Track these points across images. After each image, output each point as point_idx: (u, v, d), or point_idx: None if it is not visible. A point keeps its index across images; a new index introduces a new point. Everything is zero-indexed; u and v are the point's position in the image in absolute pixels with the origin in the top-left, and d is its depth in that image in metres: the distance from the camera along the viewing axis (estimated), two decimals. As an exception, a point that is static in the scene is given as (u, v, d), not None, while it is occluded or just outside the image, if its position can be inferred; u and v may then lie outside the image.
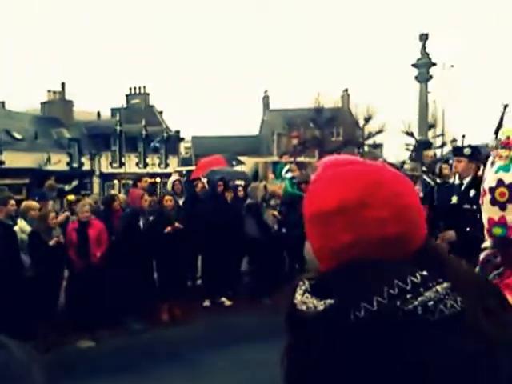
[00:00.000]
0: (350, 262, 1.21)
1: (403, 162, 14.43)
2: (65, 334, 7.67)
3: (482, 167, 6.04)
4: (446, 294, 1.14)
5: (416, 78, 23.72)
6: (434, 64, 24.39)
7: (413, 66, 23.21)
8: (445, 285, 1.15)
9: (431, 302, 1.13)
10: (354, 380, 1.14)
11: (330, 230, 1.23)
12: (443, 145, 37.84)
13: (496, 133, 6.28)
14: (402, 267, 1.18)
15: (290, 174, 11.69)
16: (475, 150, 6.00)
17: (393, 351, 1.11)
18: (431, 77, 25.51)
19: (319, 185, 1.29)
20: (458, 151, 6.23)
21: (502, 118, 6.68)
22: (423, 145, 19.79)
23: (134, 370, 6.44)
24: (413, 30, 68.49)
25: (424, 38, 22.58)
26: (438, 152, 31.20)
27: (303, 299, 1.25)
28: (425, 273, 1.16)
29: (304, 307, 1.23)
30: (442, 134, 39.67)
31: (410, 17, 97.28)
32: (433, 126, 37.87)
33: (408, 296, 1.13)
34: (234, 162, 16.55)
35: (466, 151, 5.80)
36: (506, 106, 6.83)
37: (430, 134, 35.66)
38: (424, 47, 23.12)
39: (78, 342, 7.57)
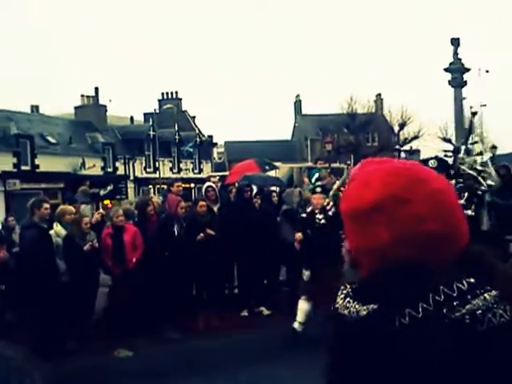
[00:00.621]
0: (391, 265, 1.17)
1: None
2: (101, 343, 7.57)
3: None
4: (494, 302, 1.10)
5: (449, 82, 23.28)
6: (468, 69, 23.92)
7: (445, 70, 22.75)
8: (493, 293, 1.11)
9: (479, 311, 1.08)
10: None
11: (368, 228, 1.20)
12: (482, 152, 37.13)
13: (466, 140, 6.30)
14: (448, 273, 1.14)
15: (320, 182, 11.44)
16: (441, 161, 5.73)
17: (439, 359, 1.07)
18: (466, 82, 25.02)
19: (356, 183, 1.27)
20: (424, 163, 6.04)
21: (470, 126, 6.54)
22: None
23: (171, 379, 6.35)
24: (445, 34, 67.96)
25: (456, 42, 22.10)
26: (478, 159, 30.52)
27: (345, 304, 1.23)
28: (472, 280, 1.12)
29: (346, 312, 1.21)
30: (482, 141, 38.93)
31: (443, 20, 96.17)
32: (471, 132, 37.16)
33: (455, 303, 1.09)
34: (266, 167, 16.32)
35: (432, 163, 5.47)
36: (474, 114, 6.84)
37: (469, 139, 34.98)
38: (456, 52, 22.66)
39: (115, 351, 7.42)
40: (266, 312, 9.08)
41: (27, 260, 7.26)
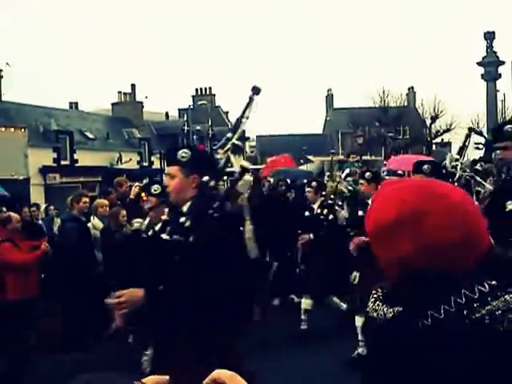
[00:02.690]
0: (417, 272, 1.23)
1: (474, 162, 14.14)
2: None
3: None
4: None
5: (482, 76, 23.18)
6: (503, 62, 23.75)
7: (478, 64, 22.65)
8: None
9: (499, 312, 1.12)
10: None
11: (393, 242, 1.26)
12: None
13: (459, 153, 6.05)
14: (470, 276, 1.19)
15: (350, 178, 11.53)
16: (436, 165, 5.44)
17: (460, 359, 1.11)
18: (500, 75, 24.81)
19: (378, 202, 1.35)
20: (417, 168, 5.45)
21: (466, 140, 6.13)
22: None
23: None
24: (478, 28, 66.67)
25: (490, 36, 21.98)
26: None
27: (374, 307, 1.32)
28: (494, 282, 1.17)
29: (375, 314, 1.30)
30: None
31: (476, 14, 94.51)
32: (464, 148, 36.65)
33: (475, 305, 1.14)
34: (301, 161, 16.35)
35: (426, 168, 5.14)
36: (471, 130, 6.38)
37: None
38: (491, 45, 22.53)
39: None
40: (297, 300, 8.79)
41: (67, 252, 7.40)
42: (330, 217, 7.67)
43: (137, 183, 8.85)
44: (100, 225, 7.86)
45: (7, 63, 33.68)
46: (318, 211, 7.74)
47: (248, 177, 3.60)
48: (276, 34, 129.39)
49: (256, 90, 3.34)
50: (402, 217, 1.24)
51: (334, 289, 7.59)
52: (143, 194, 10.37)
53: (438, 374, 1.13)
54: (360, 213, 6.85)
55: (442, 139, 44.65)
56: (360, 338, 6.13)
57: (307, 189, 8.07)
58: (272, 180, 11.37)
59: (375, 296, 1.34)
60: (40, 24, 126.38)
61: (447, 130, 44.11)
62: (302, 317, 7.59)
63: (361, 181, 6.86)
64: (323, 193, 8.05)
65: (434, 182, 1.38)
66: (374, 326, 1.30)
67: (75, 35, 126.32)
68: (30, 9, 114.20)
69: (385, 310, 1.27)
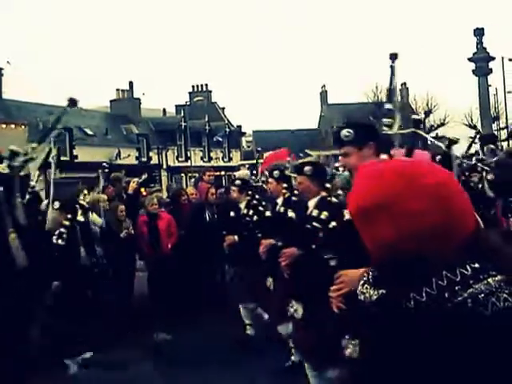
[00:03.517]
0: (400, 255, 1.20)
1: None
2: (140, 327, 7.46)
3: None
4: (498, 287, 1.12)
5: (473, 71, 23.54)
6: (493, 58, 24.13)
7: (469, 60, 22.98)
8: (498, 277, 1.13)
9: (482, 295, 1.11)
10: (403, 368, 1.18)
11: (374, 227, 1.24)
12: (509, 137, 37.15)
13: (467, 153, 6.15)
14: (452, 259, 1.16)
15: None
16: (318, 167, 4.93)
17: (441, 341, 1.11)
18: (491, 70, 25.20)
19: (358, 185, 1.31)
20: (298, 169, 5.06)
21: (473, 142, 6.17)
22: (488, 138, 19.82)
23: (211, 363, 6.17)
24: (468, 25, 67.22)
25: (480, 32, 22.32)
26: (505, 145, 30.83)
27: (362, 289, 1.31)
28: (476, 265, 1.14)
29: (362, 297, 1.30)
30: (506, 127, 38.85)
31: (466, 11, 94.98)
32: (496, 118, 37.24)
33: (456, 288, 1.12)
34: (301, 155, 16.58)
35: (307, 170, 4.72)
36: (478, 133, 6.42)
37: (494, 126, 35.16)
38: (481, 42, 22.87)
39: (153, 335, 7.28)
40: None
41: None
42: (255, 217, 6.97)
43: (135, 179, 9.01)
44: (98, 220, 7.83)
45: (8, 61, 34.00)
46: (245, 211, 7.10)
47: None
48: (271, 30, 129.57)
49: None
50: (382, 201, 1.21)
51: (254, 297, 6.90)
52: (142, 189, 10.55)
53: (422, 357, 1.13)
54: (267, 213, 6.67)
55: (437, 134, 45.04)
56: (291, 345, 5.59)
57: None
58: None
59: (364, 279, 1.32)
60: (39, 23, 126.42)
61: (441, 125, 44.55)
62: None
63: (270, 179, 6.43)
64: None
65: (415, 163, 1.35)
66: (361, 308, 1.30)
67: (74, 35, 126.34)
68: (28, 7, 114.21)
69: (371, 292, 1.27)
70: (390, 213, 1.20)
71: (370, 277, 1.32)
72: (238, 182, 7.38)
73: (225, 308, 7.92)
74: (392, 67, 3.63)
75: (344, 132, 3.28)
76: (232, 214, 7.24)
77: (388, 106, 3.74)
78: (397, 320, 1.18)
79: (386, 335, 1.21)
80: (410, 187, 1.20)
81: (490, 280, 1.12)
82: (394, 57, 3.60)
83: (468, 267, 1.14)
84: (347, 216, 2.58)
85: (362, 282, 1.33)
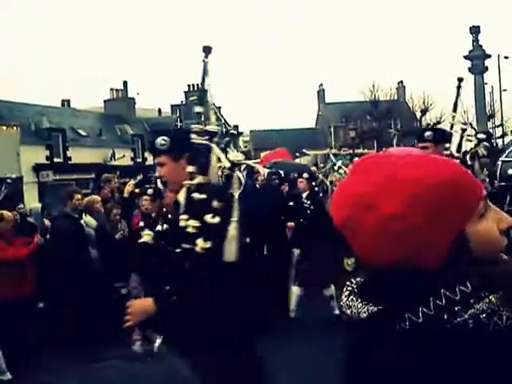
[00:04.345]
0: (393, 267, 1.08)
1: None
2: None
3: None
4: (500, 305, 1.03)
5: (469, 69, 23.48)
6: (489, 56, 24.05)
7: (465, 58, 22.94)
8: (500, 294, 1.04)
9: (483, 315, 1.02)
10: None
11: (352, 238, 1.14)
12: (503, 135, 37.18)
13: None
14: (451, 275, 1.05)
15: (342, 171, 11.69)
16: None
17: (440, 365, 1.01)
18: (487, 68, 25.11)
19: (338, 189, 1.22)
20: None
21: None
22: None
23: None
24: (464, 22, 67.47)
25: (476, 30, 22.27)
26: (500, 142, 30.77)
27: (348, 302, 1.17)
28: (477, 281, 1.04)
29: (349, 311, 1.15)
30: (502, 125, 38.86)
31: (462, 9, 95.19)
32: (492, 116, 37.30)
33: (456, 308, 1.02)
34: (297, 154, 16.34)
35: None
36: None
37: (490, 124, 35.16)
38: (477, 39, 22.81)
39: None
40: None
41: (59, 248, 7.33)
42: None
43: (131, 182, 8.86)
44: (93, 222, 7.81)
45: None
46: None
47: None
48: (268, 30, 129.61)
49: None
50: (356, 205, 1.09)
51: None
52: (137, 191, 10.37)
53: (418, 381, 1.03)
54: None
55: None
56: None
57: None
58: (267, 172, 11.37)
59: (349, 289, 1.19)
60: (32, 23, 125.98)
61: (438, 123, 44.44)
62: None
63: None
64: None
65: (393, 161, 1.13)
66: (349, 323, 1.16)
67: (67, 34, 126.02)
68: (21, 8, 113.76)
69: (359, 306, 1.12)
70: (354, 228, 1.10)
71: (354, 286, 1.18)
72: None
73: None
74: (204, 62, 3.27)
75: (159, 140, 3.11)
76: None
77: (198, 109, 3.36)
78: (389, 343, 1.06)
79: (377, 356, 1.08)
80: (384, 189, 1.08)
81: (491, 297, 1.02)
82: (207, 50, 3.24)
83: (468, 284, 1.03)
84: None
85: (346, 292, 1.19)
